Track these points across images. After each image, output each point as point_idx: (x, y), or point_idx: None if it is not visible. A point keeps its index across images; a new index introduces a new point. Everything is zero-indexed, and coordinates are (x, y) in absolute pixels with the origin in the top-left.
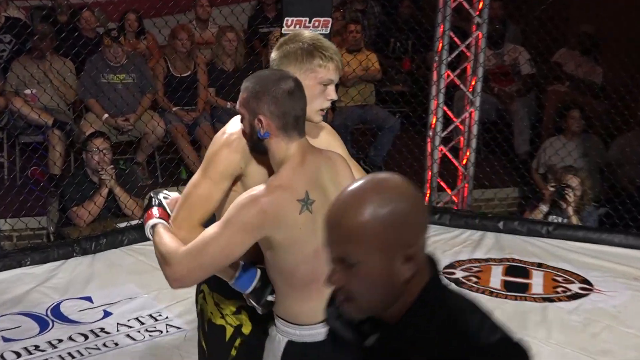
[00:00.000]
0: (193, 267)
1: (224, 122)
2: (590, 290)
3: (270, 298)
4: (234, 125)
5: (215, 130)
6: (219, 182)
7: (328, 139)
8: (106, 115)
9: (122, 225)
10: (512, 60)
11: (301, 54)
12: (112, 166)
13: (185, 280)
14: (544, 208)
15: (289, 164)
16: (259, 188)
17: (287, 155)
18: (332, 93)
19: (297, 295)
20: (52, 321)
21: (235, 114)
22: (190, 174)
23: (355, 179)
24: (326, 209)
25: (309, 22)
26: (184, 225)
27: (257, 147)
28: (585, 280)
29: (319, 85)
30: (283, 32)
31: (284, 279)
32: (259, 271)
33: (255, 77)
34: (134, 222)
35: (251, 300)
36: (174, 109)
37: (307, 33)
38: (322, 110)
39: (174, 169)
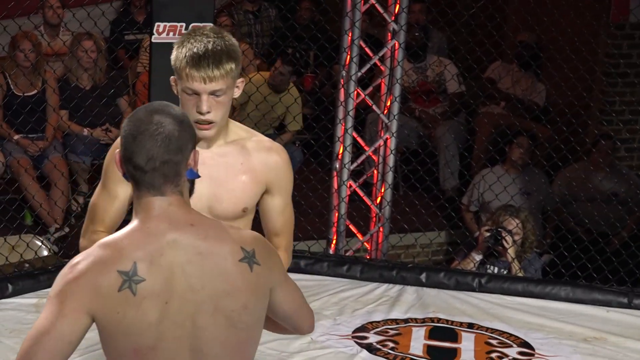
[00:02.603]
0: None
1: (78, 153)
2: (532, 355)
3: None
4: None
5: (69, 163)
6: (113, 190)
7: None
8: None
9: None
10: (436, 75)
11: (174, 51)
12: None
13: None
14: (477, 256)
15: (131, 224)
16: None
17: (136, 211)
18: (200, 105)
19: None
20: None
21: (93, 142)
22: (37, 219)
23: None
24: (163, 300)
25: (186, 29)
26: (86, 234)
27: None
28: (525, 343)
29: (183, 94)
30: (154, 40)
31: None
32: None
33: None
34: None
35: None
36: (16, 137)
37: (210, 27)
38: (198, 123)
39: (16, 212)
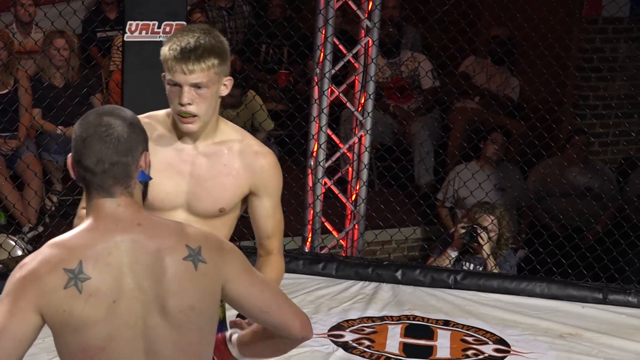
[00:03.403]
0: None
1: (51, 152)
2: (507, 352)
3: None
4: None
5: (42, 163)
6: None
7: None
8: None
9: None
10: (410, 71)
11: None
12: None
13: None
14: (452, 253)
15: (83, 224)
16: None
17: (87, 212)
18: (181, 96)
19: None
20: None
21: (67, 141)
22: (10, 219)
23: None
24: (111, 299)
25: (159, 27)
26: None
27: None
28: (500, 340)
29: (167, 86)
30: (126, 39)
31: None
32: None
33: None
34: None
35: None
36: None
37: (201, 25)
38: (180, 116)
39: None
